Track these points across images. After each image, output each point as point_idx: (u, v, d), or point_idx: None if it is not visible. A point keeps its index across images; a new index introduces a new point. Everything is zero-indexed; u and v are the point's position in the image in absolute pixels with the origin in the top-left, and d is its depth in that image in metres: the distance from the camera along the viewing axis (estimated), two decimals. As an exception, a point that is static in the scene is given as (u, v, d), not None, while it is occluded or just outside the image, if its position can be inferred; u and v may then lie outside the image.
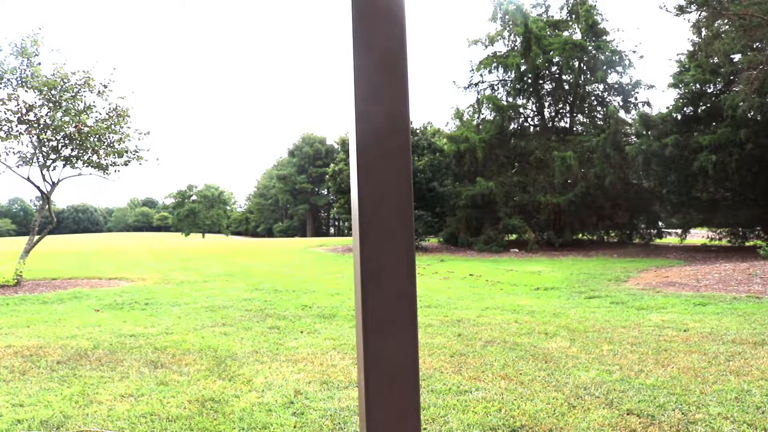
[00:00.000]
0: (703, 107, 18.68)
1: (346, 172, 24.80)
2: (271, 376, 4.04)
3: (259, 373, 4.12)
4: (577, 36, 22.88)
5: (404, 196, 0.83)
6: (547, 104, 24.58)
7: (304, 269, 14.26)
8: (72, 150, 11.30)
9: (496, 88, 24.47)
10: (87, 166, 11.54)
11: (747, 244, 19.04)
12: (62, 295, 8.63)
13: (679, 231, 21.51)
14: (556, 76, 23.66)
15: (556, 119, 24.61)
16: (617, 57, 22.40)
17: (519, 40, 23.29)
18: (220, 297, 8.16)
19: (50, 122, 10.83)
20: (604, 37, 22.63)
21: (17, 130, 10.80)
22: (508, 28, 23.88)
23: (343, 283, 10.34)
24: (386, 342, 0.83)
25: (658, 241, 22.61)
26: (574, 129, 23.94)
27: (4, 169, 11.06)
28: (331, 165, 28.41)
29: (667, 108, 19.47)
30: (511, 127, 23.57)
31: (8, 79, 10.62)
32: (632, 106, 22.78)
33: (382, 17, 0.82)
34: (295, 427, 3.09)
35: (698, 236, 22.67)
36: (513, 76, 23.37)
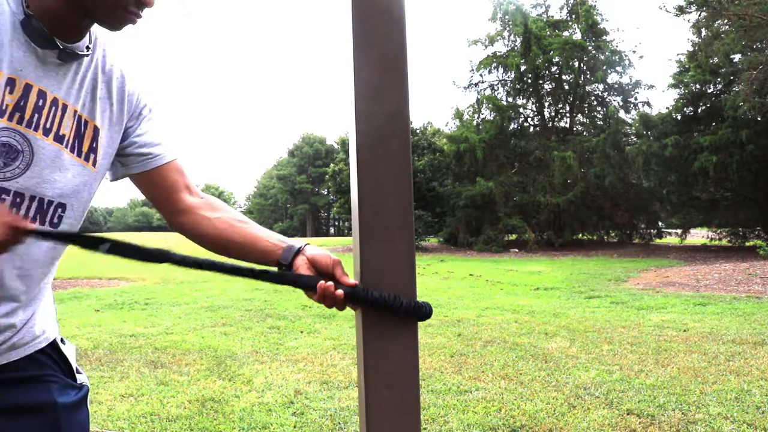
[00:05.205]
0: (703, 107, 18.69)
1: (346, 172, 24.80)
2: (271, 376, 4.04)
3: (259, 373, 4.12)
4: (577, 36, 22.88)
5: (404, 196, 0.83)
6: (547, 104, 24.59)
7: (304, 269, 14.23)
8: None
9: (496, 88, 24.47)
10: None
11: (747, 244, 19.04)
12: (62, 295, 8.63)
13: (679, 231, 21.52)
14: (556, 76, 23.66)
15: (556, 119, 24.62)
16: (617, 57, 22.40)
17: (519, 40, 23.29)
18: (220, 297, 8.16)
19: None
20: (604, 37, 22.63)
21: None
22: (508, 28, 23.89)
23: (343, 283, 10.33)
24: (386, 342, 0.83)
25: (658, 241, 22.61)
26: (574, 129, 23.94)
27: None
28: (331, 165, 28.42)
29: (667, 108, 19.50)
30: (511, 127, 23.58)
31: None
32: (632, 106, 22.79)
33: (382, 17, 0.82)
34: (295, 427, 3.09)
35: (698, 236, 22.67)
36: (513, 76, 23.37)
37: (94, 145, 0.97)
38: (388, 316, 0.82)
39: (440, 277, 11.36)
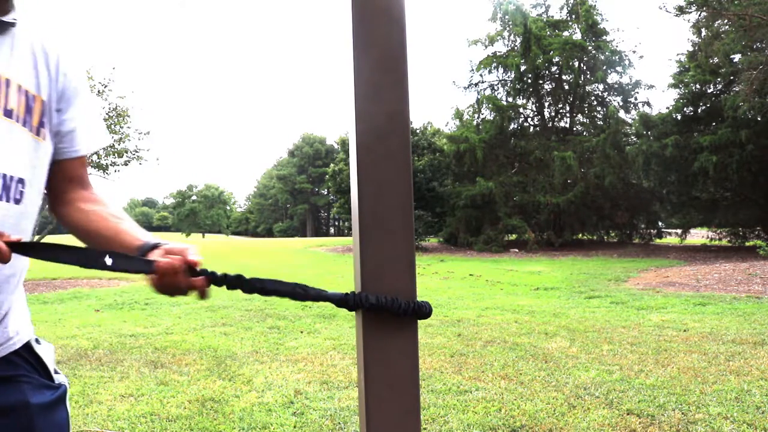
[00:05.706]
0: (703, 107, 18.67)
1: (346, 172, 24.79)
2: (271, 376, 4.04)
3: (259, 373, 4.12)
4: (577, 36, 22.87)
5: (404, 196, 0.83)
6: (547, 104, 24.58)
7: (304, 269, 14.25)
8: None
9: (496, 88, 24.47)
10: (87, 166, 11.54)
11: (747, 244, 19.03)
12: (62, 295, 8.63)
13: (679, 231, 21.50)
14: (556, 76, 23.65)
15: (556, 119, 24.61)
16: (617, 57, 22.40)
17: (519, 40, 23.29)
18: (220, 297, 8.15)
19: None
20: (604, 37, 22.63)
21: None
22: (508, 28, 23.89)
23: (343, 283, 10.34)
24: (386, 342, 0.83)
25: (658, 241, 22.60)
26: (574, 129, 23.94)
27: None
28: (331, 165, 28.43)
29: (667, 108, 19.46)
30: (511, 127, 23.57)
31: (8, 79, 10.63)
32: (632, 106, 22.78)
33: (382, 17, 0.82)
34: (295, 427, 3.09)
35: (698, 236, 22.66)
36: (513, 76, 23.37)
37: (44, 119, 0.96)
38: (388, 315, 0.82)
39: (440, 277, 11.36)
